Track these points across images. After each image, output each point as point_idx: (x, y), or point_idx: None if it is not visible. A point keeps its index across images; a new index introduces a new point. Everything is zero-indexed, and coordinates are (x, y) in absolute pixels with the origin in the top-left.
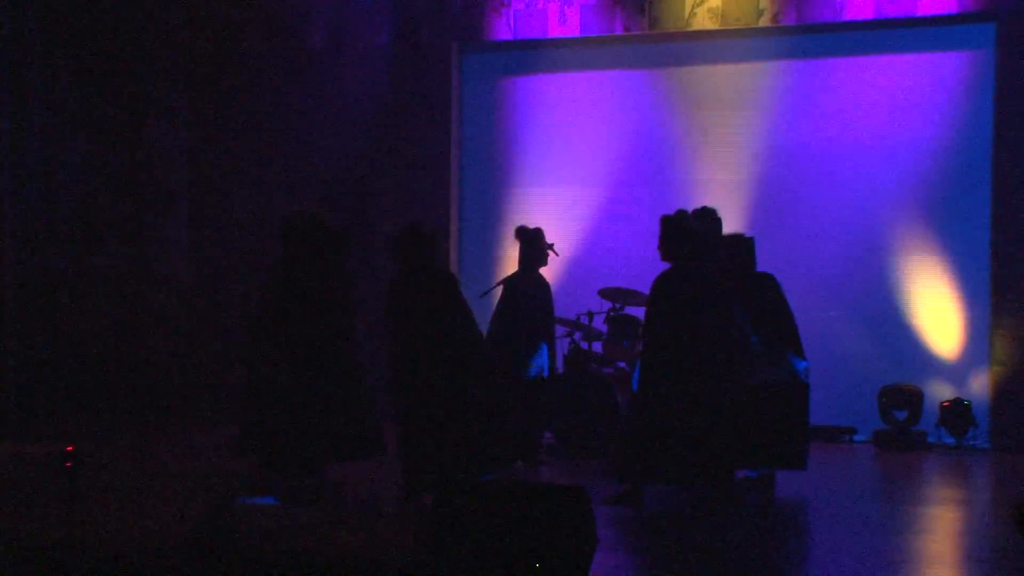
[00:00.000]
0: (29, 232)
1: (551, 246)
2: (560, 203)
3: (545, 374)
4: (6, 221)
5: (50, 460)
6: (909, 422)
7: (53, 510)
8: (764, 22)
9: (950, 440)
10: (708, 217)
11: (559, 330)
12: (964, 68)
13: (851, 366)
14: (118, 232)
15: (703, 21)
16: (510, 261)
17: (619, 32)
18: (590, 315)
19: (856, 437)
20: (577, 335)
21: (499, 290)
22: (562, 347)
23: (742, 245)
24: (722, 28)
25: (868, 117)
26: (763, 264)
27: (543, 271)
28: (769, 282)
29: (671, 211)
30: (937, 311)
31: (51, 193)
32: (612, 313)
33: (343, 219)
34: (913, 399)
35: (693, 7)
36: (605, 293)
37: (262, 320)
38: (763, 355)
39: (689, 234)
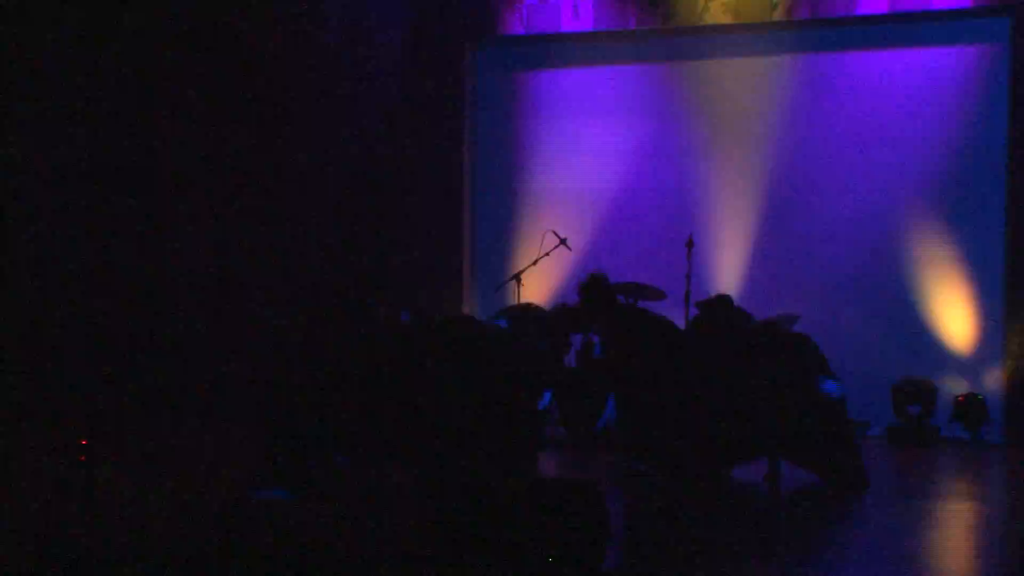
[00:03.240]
0: (42, 226)
1: (564, 240)
2: (572, 197)
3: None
4: (20, 216)
5: (65, 453)
6: (923, 417)
7: (68, 503)
8: (777, 16)
9: (964, 435)
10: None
11: None
12: (979, 62)
13: (864, 361)
14: (133, 225)
15: (716, 15)
16: (523, 255)
17: (632, 27)
18: None
19: (869, 431)
20: None
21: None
22: (574, 342)
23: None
24: (735, 22)
25: (882, 112)
26: (772, 258)
27: (551, 269)
28: None
29: (680, 204)
30: (951, 306)
31: (65, 187)
32: None
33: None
34: (927, 394)
35: (706, 1)
36: (617, 287)
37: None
38: None
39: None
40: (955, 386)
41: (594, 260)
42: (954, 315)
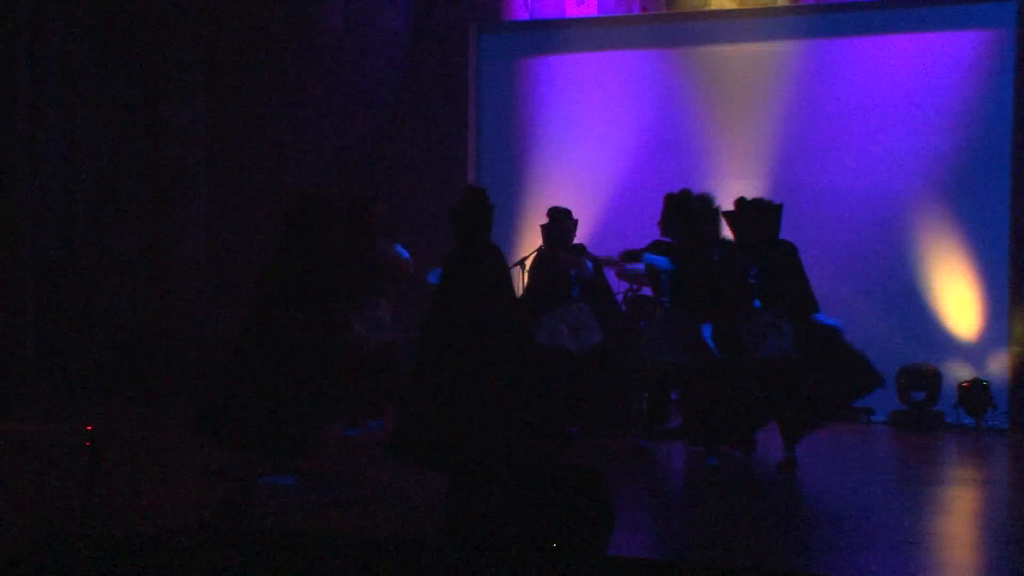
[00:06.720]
0: (48, 213)
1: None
2: (577, 183)
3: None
4: (25, 203)
5: (70, 439)
6: (927, 403)
7: (73, 489)
8: (783, 2)
9: (968, 421)
10: (707, 203)
11: None
12: (985, 48)
13: (869, 346)
14: (136, 213)
15: (721, 0)
16: (526, 242)
17: (637, 12)
18: None
19: (873, 418)
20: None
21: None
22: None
23: (769, 212)
24: (741, 7)
25: (887, 97)
26: None
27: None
28: (788, 249)
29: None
30: (955, 291)
31: (70, 175)
32: (629, 295)
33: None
34: (931, 380)
35: None
36: (622, 275)
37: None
38: (771, 324)
39: (687, 215)
40: (960, 372)
41: (598, 246)
42: (959, 301)
